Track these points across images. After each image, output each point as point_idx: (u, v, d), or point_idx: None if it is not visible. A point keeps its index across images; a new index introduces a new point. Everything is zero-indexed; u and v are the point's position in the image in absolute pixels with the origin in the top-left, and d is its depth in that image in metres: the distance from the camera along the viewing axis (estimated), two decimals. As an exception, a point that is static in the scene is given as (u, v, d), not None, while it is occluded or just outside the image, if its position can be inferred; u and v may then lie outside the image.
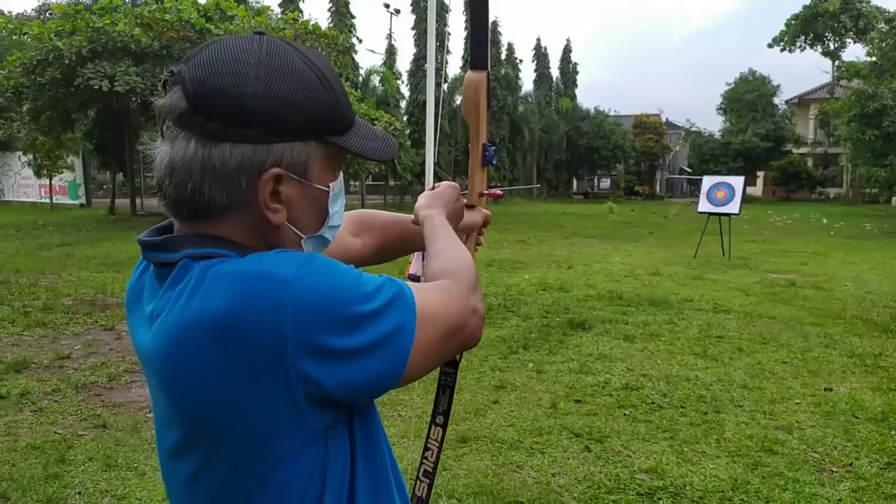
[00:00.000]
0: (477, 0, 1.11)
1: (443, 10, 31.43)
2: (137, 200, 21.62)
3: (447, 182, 1.15)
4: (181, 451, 0.83)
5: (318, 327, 0.72)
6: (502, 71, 33.78)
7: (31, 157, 20.34)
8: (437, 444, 1.12)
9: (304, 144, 0.79)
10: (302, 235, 0.85)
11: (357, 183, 28.80)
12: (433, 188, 1.15)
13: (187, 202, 0.78)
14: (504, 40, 35.80)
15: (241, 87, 0.74)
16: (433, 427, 1.14)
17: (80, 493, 3.14)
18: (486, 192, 1.21)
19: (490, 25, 1.27)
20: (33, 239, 13.58)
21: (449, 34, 32.36)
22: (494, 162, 1.18)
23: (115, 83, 14.44)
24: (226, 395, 0.74)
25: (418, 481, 1.11)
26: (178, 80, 0.77)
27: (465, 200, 1.07)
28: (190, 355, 0.75)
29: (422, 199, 1.12)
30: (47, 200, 25.14)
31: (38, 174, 21.56)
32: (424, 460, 1.12)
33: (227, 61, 0.76)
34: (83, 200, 25.82)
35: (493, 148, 1.17)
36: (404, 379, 0.80)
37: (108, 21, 15.02)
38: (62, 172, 22.18)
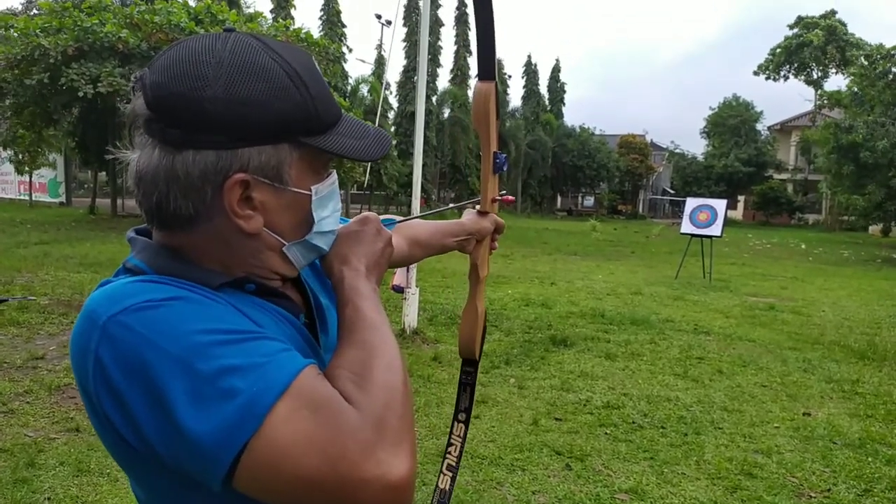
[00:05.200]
0: (483, 11, 1.11)
1: (435, 24, 31.67)
2: (119, 201, 21.41)
3: (364, 216, 0.93)
4: None
5: (120, 381, 0.64)
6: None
7: (10, 152, 20.05)
8: (461, 440, 1.16)
9: (274, 148, 0.73)
10: (283, 242, 0.79)
11: (342, 192, 28.74)
12: (362, 218, 0.93)
13: (155, 213, 0.74)
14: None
15: (200, 89, 0.69)
16: (456, 423, 1.18)
17: (49, 498, 3.06)
18: (498, 197, 1.23)
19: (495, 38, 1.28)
20: (10, 236, 13.33)
21: (440, 48, 32.58)
22: (505, 168, 1.19)
23: (100, 84, 14.29)
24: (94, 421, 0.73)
25: (441, 475, 1.14)
26: (140, 86, 0.72)
27: (390, 233, 0.93)
28: None
29: (334, 244, 0.89)
30: (26, 197, 24.79)
31: (18, 170, 21.25)
32: (448, 455, 1.16)
33: (187, 63, 0.70)
34: (63, 199, 25.50)
35: (504, 155, 1.19)
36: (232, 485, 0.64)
37: (97, 21, 14.89)
38: (41, 168, 21.88)
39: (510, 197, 1.26)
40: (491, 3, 1.11)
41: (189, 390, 0.61)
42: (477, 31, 1.13)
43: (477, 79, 1.14)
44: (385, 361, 0.71)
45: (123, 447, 0.68)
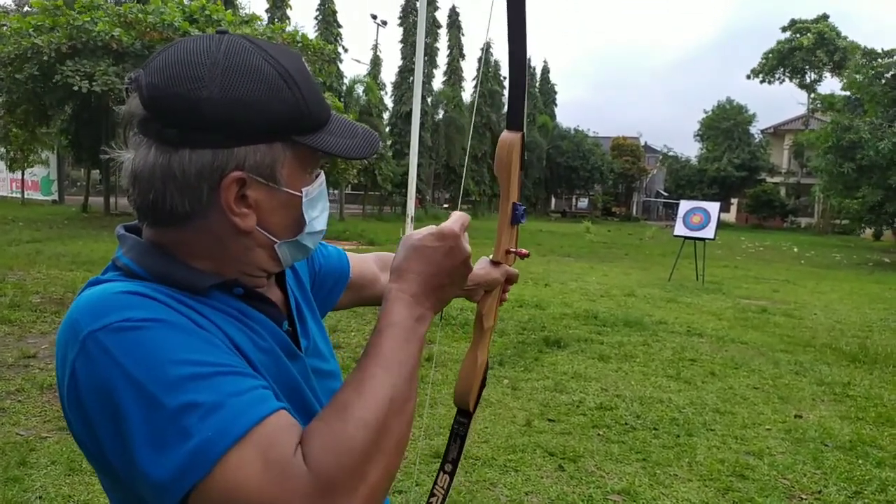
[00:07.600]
0: (517, 63, 1.10)
1: (433, 26, 31.68)
2: (111, 199, 21.31)
3: (443, 230, 0.82)
4: None
5: (89, 402, 0.66)
6: (489, 87, 34.15)
7: (3, 150, 19.97)
8: (443, 492, 1.11)
9: (268, 147, 0.75)
10: (275, 240, 0.80)
11: (336, 191, 28.72)
12: (439, 231, 0.82)
13: (150, 210, 0.75)
14: (492, 59, 36.10)
15: (196, 90, 0.70)
16: (441, 474, 1.13)
17: (41, 497, 3.04)
18: (513, 250, 1.18)
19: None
20: (2, 234, 13.25)
21: (437, 49, 32.57)
22: (524, 220, 1.15)
23: (94, 83, 14.24)
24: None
25: None
26: (135, 87, 0.73)
27: (467, 251, 0.83)
28: None
29: (401, 254, 0.82)
30: (19, 195, 24.67)
31: (10, 168, 21.17)
32: None
33: (183, 64, 0.72)
34: (56, 197, 25.40)
35: (523, 207, 1.14)
36: None
37: (88, 19, 14.82)
38: (34, 166, 21.79)
39: (525, 251, 1.21)
40: (525, 59, 1.10)
41: (149, 425, 0.63)
42: (509, 85, 1.13)
43: (505, 128, 1.13)
44: (366, 416, 0.67)
45: (88, 456, 0.73)
